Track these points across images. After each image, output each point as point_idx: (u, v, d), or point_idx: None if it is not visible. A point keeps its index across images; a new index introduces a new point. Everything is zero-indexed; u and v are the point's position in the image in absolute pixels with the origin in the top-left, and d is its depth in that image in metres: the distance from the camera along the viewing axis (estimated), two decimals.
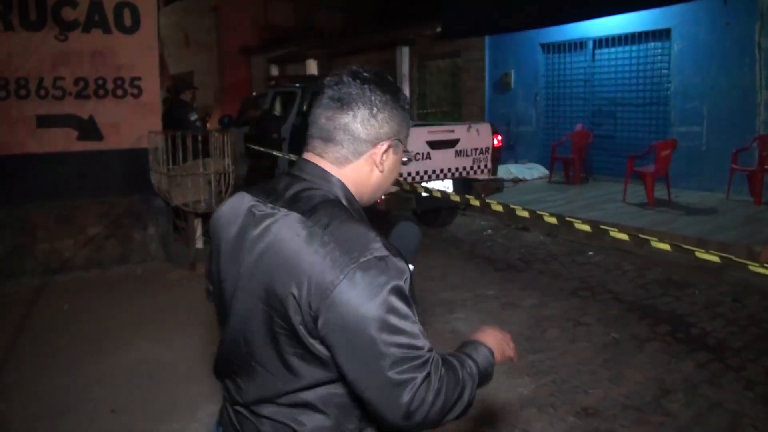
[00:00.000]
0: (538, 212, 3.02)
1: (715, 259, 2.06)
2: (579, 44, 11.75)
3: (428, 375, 1.28)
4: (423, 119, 14.78)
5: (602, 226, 2.49)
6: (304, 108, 8.71)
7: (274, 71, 10.50)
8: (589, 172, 11.47)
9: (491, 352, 1.51)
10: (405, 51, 14.22)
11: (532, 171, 12.09)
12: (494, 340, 1.55)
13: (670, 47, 10.29)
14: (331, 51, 15.93)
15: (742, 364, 4.49)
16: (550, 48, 12.39)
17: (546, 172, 11.88)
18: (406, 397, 1.26)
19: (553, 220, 2.89)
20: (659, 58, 10.57)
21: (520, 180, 11.67)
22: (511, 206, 2.94)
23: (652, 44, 10.63)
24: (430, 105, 15.61)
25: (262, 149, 7.92)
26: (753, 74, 9.18)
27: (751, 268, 2.03)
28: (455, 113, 14.55)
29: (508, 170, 11.66)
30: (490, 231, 8.62)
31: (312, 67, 11.31)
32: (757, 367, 4.44)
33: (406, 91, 13.96)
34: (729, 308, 5.56)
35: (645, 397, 4.04)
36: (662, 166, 9.07)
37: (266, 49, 17.92)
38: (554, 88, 12.48)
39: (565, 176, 11.44)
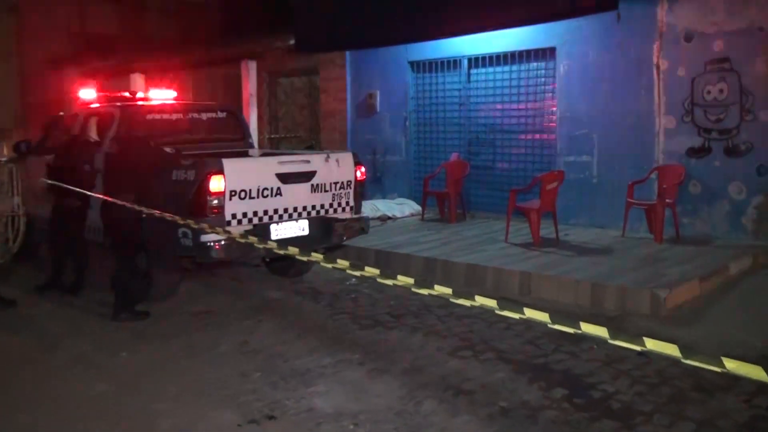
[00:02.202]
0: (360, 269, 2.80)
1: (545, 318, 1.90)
2: (452, 63, 11.91)
3: None
4: (275, 147, 14.51)
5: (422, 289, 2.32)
6: (122, 132, 8.14)
7: (92, 86, 9.87)
8: (467, 208, 11.56)
9: None
10: (252, 66, 13.93)
11: (403, 207, 12.06)
12: None
13: (554, 68, 10.57)
14: (163, 64, 15.43)
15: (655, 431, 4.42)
16: (420, 66, 12.50)
17: (418, 208, 11.87)
18: None
19: (401, 282, 2.68)
20: (543, 80, 10.84)
21: (389, 218, 11.59)
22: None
23: (534, 64, 10.90)
24: (284, 129, 15.39)
25: (66, 186, 7.30)
26: (651, 98, 9.52)
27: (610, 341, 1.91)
28: (313, 139, 14.39)
29: (374, 207, 11.57)
30: (354, 279, 8.38)
31: (138, 83, 10.75)
32: None
33: (254, 113, 13.65)
34: (634, 364, 5.53)
35: None
36: (548, 200, 9.21)
37: (82, 60, 17.13)
38: (426, 112, 12.57)
39: (439, 213, 11.47)
